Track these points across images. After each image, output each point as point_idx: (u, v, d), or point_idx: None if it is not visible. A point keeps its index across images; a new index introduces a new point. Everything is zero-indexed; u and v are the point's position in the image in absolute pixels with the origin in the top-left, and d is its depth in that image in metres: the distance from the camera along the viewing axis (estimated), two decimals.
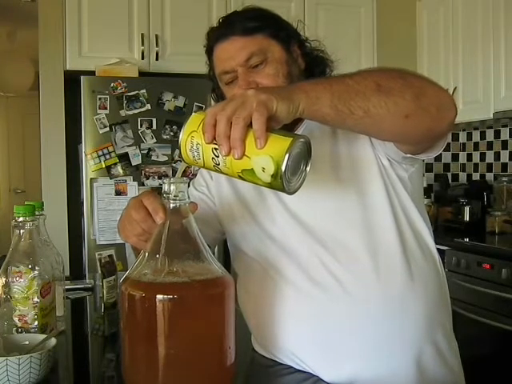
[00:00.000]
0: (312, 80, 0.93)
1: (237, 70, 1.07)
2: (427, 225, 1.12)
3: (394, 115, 0.87)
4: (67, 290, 1.58)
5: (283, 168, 0.76)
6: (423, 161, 1.11)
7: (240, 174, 0.80)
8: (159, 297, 0.81)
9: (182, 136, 0.83)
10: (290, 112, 0.81)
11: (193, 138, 0.81)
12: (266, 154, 0.77)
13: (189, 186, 0.88)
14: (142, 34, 3.03)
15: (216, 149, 0.79)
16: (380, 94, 0.86)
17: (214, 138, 0.79)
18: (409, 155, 1.03)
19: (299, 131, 1.10)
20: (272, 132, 0.78)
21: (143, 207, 0.88)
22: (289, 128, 0.89)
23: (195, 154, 0.82)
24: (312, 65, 1.16)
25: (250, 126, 0.78)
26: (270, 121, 0.79)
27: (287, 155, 0.76)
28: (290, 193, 0.81)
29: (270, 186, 0.79)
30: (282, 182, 0.77)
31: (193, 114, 0.84)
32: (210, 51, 1.14)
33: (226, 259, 1.47)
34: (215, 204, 1.22)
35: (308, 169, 0.83)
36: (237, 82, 1.08)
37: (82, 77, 2.84)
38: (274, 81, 1.07)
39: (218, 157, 0.80)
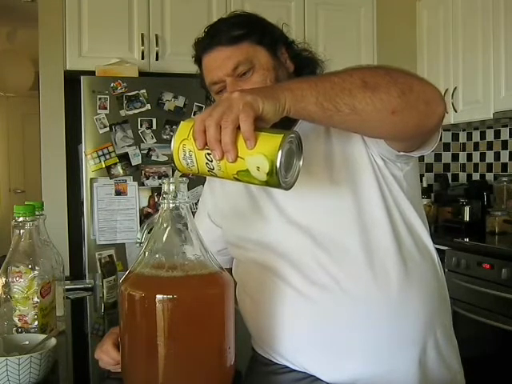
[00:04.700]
0: (298, 78, 0.93)
1: (225, 79, 1.08)
2: (425, 224, 1.12)
3: (380, 111, 0.87)
4: (67, 290, 1.58)
5: (278, 164, 0.77)
6: (422, 160, 1.11)
7: (236, 176, 0.81)
8: (159, 297, 0.81)
9: (174, 145, 0.83)
10: (276, 110, 0.82)
11: (184, 146, 0.82)
12: (260, 153, 0.77)
13: (188, 186, 0.88)
14: (142, 34, 3.03)
15: (209, 154, 0.80)
16: (366, 90, 0.86)
17: (206, 144, 0.79)
18: (402, 153, 1.03)
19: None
20: (262, 131, 0.79)
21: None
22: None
23: (188, 161, 0.82)
24: (301, 66, 1.16)
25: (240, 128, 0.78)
26: (259, 121, 0.79)
27: (280, 151, 0.77)
28: (287, 188, 0.82)
29: (267, 183, 0.80)
30: (278, 179, 0.78)
31: (181, 122, 0.85)
32: (198, 61, 1.15)
33: None
34: (220, 227, 1.24)
35: (301, 163, 0.84)
36: (226, 91, 1.08)
37: (81, 77, 2.84)
38: None
39: (211, 161, 0.80)
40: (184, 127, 0.83)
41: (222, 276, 0.88)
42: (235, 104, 0.79)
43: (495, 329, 2.33)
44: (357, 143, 1.07)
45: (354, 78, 0.86)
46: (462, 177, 3.68)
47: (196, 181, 2.21)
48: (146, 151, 2.91)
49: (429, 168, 3.64)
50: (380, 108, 0.86)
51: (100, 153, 2.86)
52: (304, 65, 1.16)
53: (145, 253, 0.87)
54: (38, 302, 1.14)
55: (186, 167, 0.83)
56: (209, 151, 0.79)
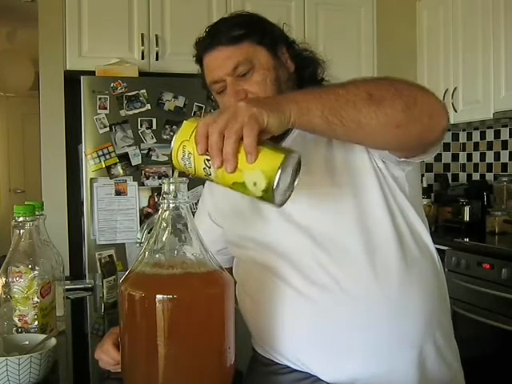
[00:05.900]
0: (303, 90, 0.93)
1: (225, 79, 1.08)
2: (425, 223, 1.12)
3: (384, 125, 0.87)
4: (67, 290, 1.58)
5: (275, 184, 0.77)
6: (422, 160, 1.11)
7: (231, 186, 0.80)
8: (159, 297, 0.81)
9: (174, 144, 0.83)
10: (281, 123, 0.82)
11: (184, 147, 0.81)
12: (259, 169, 0.77)
13: (188, 186, 0.88)
14: (142, 34, 3.03)
15: (208, 160, 0.79)
16: (371, 104, 0.85)
17: (207, 150, 0.79)
18: (403, 159, 1.04)
19: (293, 134, 1.11)
20: (264, 146, 0.78)
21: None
22: (282, 133, 0.89)
23: (186, 162, 0.82)
24: (302, 66, 1.16)
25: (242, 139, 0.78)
26: (262, 133, 0.79)
27: (279, 172, 0.76)
28: (279, 206, 0.82)
29: (261, 198, 0.80)
30: (272, 197, 0.78)
31: (184, 121, 0.84)
32: (199, 61, 1.15)
33: None
34: (220, 226, 1.24)
35: (296, 183, 0.83)
36: (227, 90, 1.09)
37: (81, 77, 2.84)
38: (263, 87, 1.07)
39: (209, 167, 0.80)
40: (187, 127, 0.82)
41: (222, 276, 0.88)
42: (240, 115, 0.78)
43: (495, 329, 2.33)
44: (358, 148, 1.06)
45: (359, 91, 0.86)
46: (462, 177, 3.69)
47: (196, 181, 2.20)
48: (145, 151, 2.91)
49: (429, 168, 3.65)
50: (384, 122, 0.86)
51: (100, 153, 2.86)
52: (305, 65, 1.16)
53: (145, 253, 0.87)
54: (37, 302, 1.14)
55: (183, 167, 0.83)
56: (208, 157, 0.79)
